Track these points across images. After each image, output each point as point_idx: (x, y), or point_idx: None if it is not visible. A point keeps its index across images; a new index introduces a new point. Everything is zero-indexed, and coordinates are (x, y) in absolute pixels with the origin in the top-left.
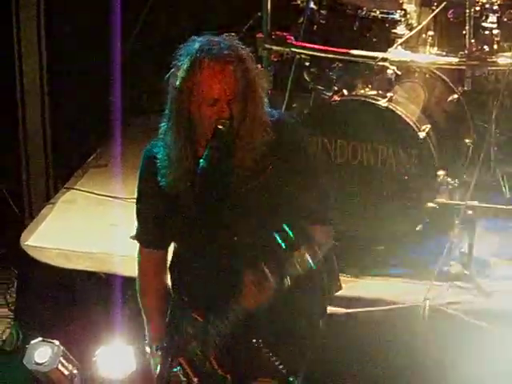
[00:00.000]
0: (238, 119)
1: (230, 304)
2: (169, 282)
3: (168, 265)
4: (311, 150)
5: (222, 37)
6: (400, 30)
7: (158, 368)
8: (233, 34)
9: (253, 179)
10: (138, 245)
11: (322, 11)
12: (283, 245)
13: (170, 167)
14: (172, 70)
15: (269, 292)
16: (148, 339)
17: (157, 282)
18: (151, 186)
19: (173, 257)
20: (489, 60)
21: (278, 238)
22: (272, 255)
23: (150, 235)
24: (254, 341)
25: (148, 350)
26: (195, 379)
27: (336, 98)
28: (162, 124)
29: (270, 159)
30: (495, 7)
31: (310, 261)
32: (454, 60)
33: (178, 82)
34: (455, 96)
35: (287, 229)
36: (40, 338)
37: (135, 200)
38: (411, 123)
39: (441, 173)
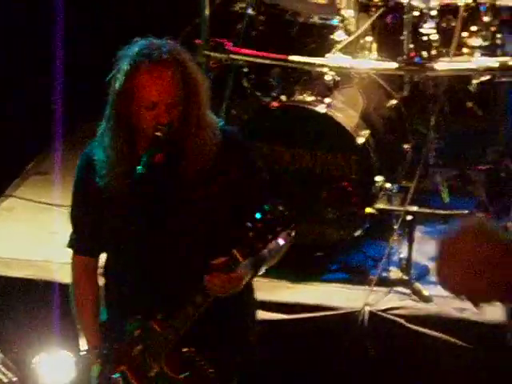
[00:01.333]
0: (180, 124)
1: (187, 301)
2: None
3: (102, 270)
4: (257, 159)
5: (163, 41)
6: (338, 35)
7: (98, 375)
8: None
9: (202, 188)
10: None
11: (260, 17)
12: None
13: (108, 169)
14: (113, 71)
15: (239, 279)
16: (85, 350)
17: (91, 290)
18: (87, 190)
19: (108, 262)
20: (427, 66)
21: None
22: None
23: (84, 242)
24: (186, 349)
25: (86, 357)
26: None
27: (275, 104)
28: (101, 125)
29: (219, 166)
30: (433, 13)
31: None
32: (393, 66)
33: (117, 84)
34: (394, 102)
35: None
36: None
37: (71, 204)
38: (350, 129)
39: (380, 178)
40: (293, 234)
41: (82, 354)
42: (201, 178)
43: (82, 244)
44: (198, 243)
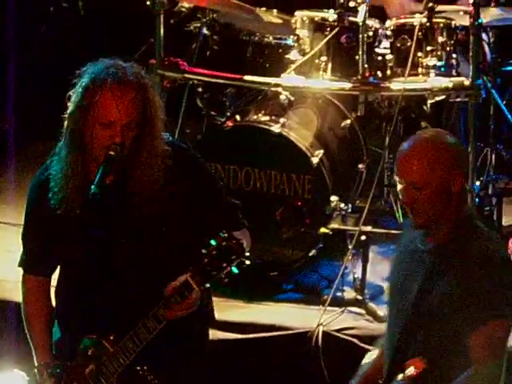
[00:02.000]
0: (132, 149)
1: (140, 325)
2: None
3: (54, 291)
4: (207, 167)
5: (128, 63)
6: (293, 55)
7: None
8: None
9: (152, 206)
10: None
11: (214, 37)
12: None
13: (61, 184)
14: (75, 86)
15: (193, 303)
16: (37, 367)
17: (42, 309)
18: (39, 209)
19: (59, 281)
20: (382, 85)
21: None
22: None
23: (34, 261)
24: (139, 368)
25: (38, 376)
26: None
27: (229, 123)
28: (60, 140)
29: (168, 186)
30: (388, 33)
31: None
32: (347, 85)
33: (77, 99)
34: (348, 121)
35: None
36: None
37: (23, 225)
38: (304, 149)
39: (334, 198)
40: (247, 262)
41: (34, 371)
42: (150, 200)
43: (32, 263)
44: (149, 265)
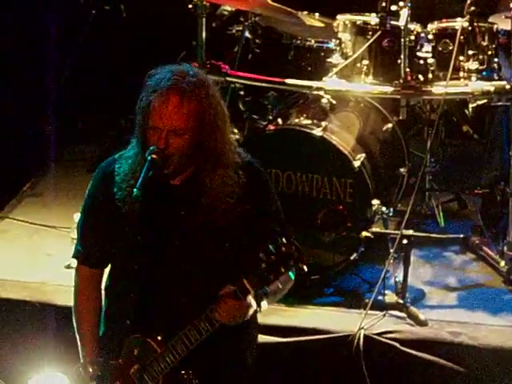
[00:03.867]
0: (193, 157)
1: (191, 326)
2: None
3: (104, 286)
4: (273, 191)
5: (192, 69)
6: (335, 59)
7: None
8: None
9: (215, 216)
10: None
11: (257, 40)
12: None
13: (127, 181)
14: (143, 91)
15: (246, 309)
16: (82, 364)
17: (93, 303)
18: (100, 201)
19: (110, 278)
20: (423, 89)
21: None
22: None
23: (90, 252)
24: (184, 372)
25: (82, 374)
26: None
27: (271, 127)
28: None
29: (238, 201)
30: (430, 36)
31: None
32: (389, 89)
33: (140, 101)
34: (390, 125)
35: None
36: None
37: (80, 215)
38: (346, 152)
39: (375, 202)
40: (305, 268)
41: (78, 367)
42: (217, 210)
43: (87, 255)
44: (205, 268)
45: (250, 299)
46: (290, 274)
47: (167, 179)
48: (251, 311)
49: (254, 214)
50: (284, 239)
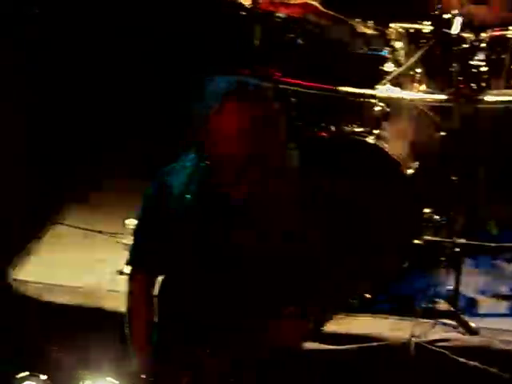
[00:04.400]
0: (249, 166)
1: (246, 339)
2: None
3: (157, 295)
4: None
5: (251, 79)
6: (388, 66)
7: None
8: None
9: (279, 226)
10: (126, 278)
11: (309, 47)
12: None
13: (180, 189)
14: (202, 100)
15: (304, 332)
16: (133, 372)
17: (146, 310)
18: (157, 209)
19: (163, 287)
20: (476, 98)
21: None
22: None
23: (144, 260)
24: (232, 380)
25: (134, 381)
26: None
27: (323, 134)
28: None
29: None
30: (483, 45)
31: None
32: (442, 97)
33: (200, 109)
34: (443, 133)
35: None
36: (26, 372)
37: (136, 221)
38: (398, 160)
39: (428, 210)
40: (367, 296)
41: (129, 374)
42: (278, 222)
43: (143, 260)
44: (262, 283)
45: (309, 325)
46: (355, 301)
47: (222, 189)
48: (307, 338)
49: (313, 228)
50: (353, 264)
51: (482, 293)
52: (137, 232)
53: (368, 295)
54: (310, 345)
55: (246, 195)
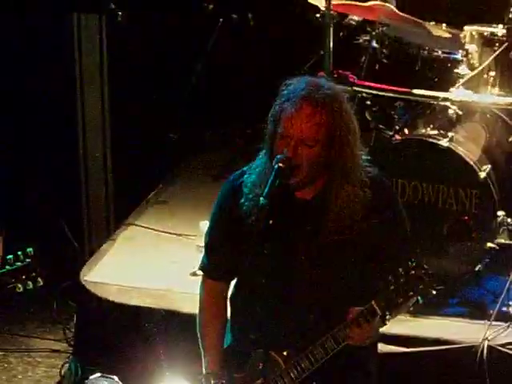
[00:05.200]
0: (322, 171)
1: (318, 344)
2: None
3: (229, 298)
4: (403, 213)
5: (327, 82)
6: (462, 69)
7: None
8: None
9: (342, 233)
10: (200, 278)
11: (384, 50)
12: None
13: (255, 191)
14: (276, 101)
15: (374, 331)
16: (205, 375)
17: (218, 315)
18: (228, 214)
19: (236, 290)
20: None
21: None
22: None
23: (216, 265)
24: None
25: (205, 382)
26: None
27: (397, 137)
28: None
29: (363, 218)
30: None
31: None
32: None
33: (272, 110)
34: None
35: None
36: (99, 374)
37: (208, 226)
38: (472, 163)
39: (501, 213)
40: (434, 293)
41: (200, 378)
42: (341, 227)
43: (213, 268)
44: (333, 287)
45: (377, 323)
46: (419, 298)
47: (293, 190)
48: (378, 333)
49: (381, 231)
50: (414, 262)
51: None
52: (208, 236)
53: (433, 292)
54: (381, 347)
55: (314, 197)
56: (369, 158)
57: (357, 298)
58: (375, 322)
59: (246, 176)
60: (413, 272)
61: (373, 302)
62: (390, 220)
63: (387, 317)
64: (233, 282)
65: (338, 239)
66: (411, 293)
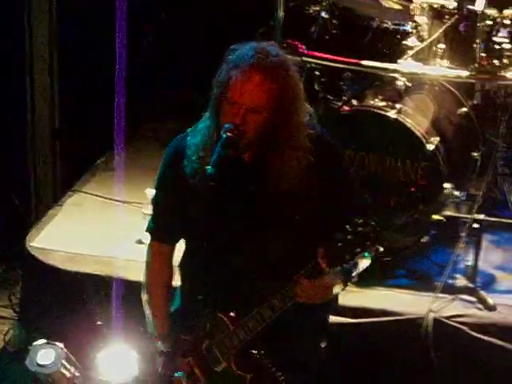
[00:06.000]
0: (269, 136)
1: (265, 303)
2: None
3: (178, 264)
4: (349, 173)
5: (274, 49)
6: (411, 41)
7: (161, 370)
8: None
9: (286, 196)
10: (144, 247)
11: (333, 21)
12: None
13: (198, 154)
14: (223, 64)
15: (323, 288)
16: (152, 337)
17: (164, 277)
18: (173, 175)
19: (185, 254)
20: (499, 74)
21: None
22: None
23: (162, 228)
24: (255, 352)
25: (152, 348)
26: (203, 379)
27: (346, 108)
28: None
29: (306, 180)
30: (506, 21)
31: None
32: (464, 73)
33: (218, 75)
34: (464, 109)
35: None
36: (43, 340)
37: (154, 191)
38: (420, 135)
39: (448, 185)
40: (381, 249)
41: (147, 342)
42: (285, 191)
43: (160, 230)
44: (277, 248)
45: (329, 278)
46: (366, 254)
47: (239, 155)
48: (331, 291)
49: (325, 192)
50: (361, 219)
51: (501, 269)
52: (154, 200)
53: (381, 248)
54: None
55: (256, 160)
56: (315, 123)
57: (303, 257)
58: (324, 279)
59: (189, 139)
60: (360, 229)
61: (319, 259)
62: (333, 181)
63: (347, 279)
64: (182, 249)
65: (280, 201)
66: (358, 249)
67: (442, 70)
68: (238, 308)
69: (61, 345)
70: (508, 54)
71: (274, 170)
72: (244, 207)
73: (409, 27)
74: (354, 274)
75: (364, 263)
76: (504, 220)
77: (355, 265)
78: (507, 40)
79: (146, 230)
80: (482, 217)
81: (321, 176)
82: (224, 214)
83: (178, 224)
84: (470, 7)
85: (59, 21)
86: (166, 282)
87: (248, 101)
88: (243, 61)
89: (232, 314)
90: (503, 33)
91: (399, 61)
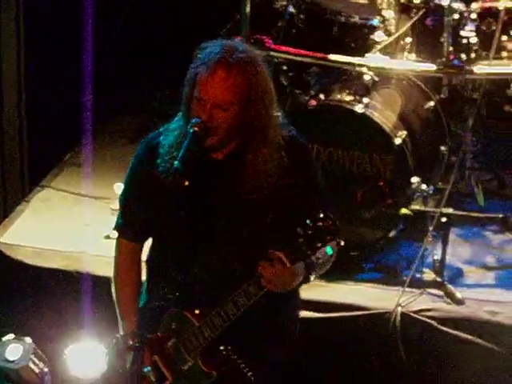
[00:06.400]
0: (239, 132)
1: (229, 299)
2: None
3: (146, 259)
4: (318, 171)
5: (242, 45)
6: (378, 36)
7: (130, 366)
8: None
9: (258, 193)
10: (113, 243)
11: (301, 15)
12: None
13: (171, 153)
14: (192, 65)
15: (290, 274)
16: (120, 333)
17: (133, 274)
18: (143, 175)
19: (151, 251)
20: (466, 68)
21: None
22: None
23: (130, 226)
24: (222, 348)
25: (120, 345)
26: (170, 377)
27: (312, 102)
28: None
29: (278, 179)
30: (473, 16)
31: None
32: (432, 67)
33: (188, 73)
34: (432, 103)
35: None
36: (12, 335)
37: (122, 187)
38: (387, 129)
39: (415, 179)
40: (342, 243)
41: (115, 339)
42: (257, 187)
43: (128, 228)
44: (244, 243)
45: (288, 274)
46: (328, 248)
47: (209, 152)
48: (295, 280)
49: (296, 187)
50: (321, 214)
51: (469, 263)
52: (122, 197)
53: (342, 242)
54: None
55: (229, 158)
56: (285, 120)
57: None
58: (286, 272)
59: (162, 137)
60: (320, 223)
61: (281, 255)
62: (305, 176)
63: (311, 272)
64: (149, 244)
65: (252, 199)
66: (319, 244)
67: (410, 64)
68: (206, 307)
69: (29, 340)
70: (475, 48)
71: (248, 169)
72: (216, 206)
73: (376, 21)
74: (317, 269)
75: (327, 257)
76: (472, 214)
77: (317, 259)
78: (474, 34)
79: (114, 228)
80: (449, 211)
81: (294, 177)
82: (195, 213)
83: (147, 222)
84: (437, 1)
85: (25, 19)
86: (134, 280)
87: (213, 97)
88: (210, 58)
89: (197, 311)
90: (470, 27)
91: (366, 55)
